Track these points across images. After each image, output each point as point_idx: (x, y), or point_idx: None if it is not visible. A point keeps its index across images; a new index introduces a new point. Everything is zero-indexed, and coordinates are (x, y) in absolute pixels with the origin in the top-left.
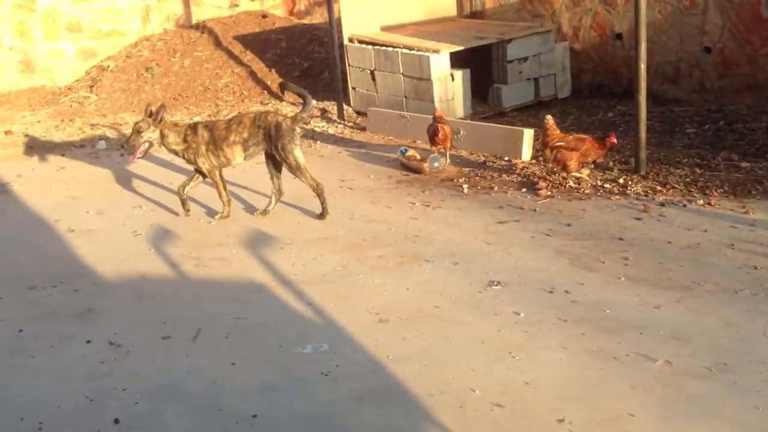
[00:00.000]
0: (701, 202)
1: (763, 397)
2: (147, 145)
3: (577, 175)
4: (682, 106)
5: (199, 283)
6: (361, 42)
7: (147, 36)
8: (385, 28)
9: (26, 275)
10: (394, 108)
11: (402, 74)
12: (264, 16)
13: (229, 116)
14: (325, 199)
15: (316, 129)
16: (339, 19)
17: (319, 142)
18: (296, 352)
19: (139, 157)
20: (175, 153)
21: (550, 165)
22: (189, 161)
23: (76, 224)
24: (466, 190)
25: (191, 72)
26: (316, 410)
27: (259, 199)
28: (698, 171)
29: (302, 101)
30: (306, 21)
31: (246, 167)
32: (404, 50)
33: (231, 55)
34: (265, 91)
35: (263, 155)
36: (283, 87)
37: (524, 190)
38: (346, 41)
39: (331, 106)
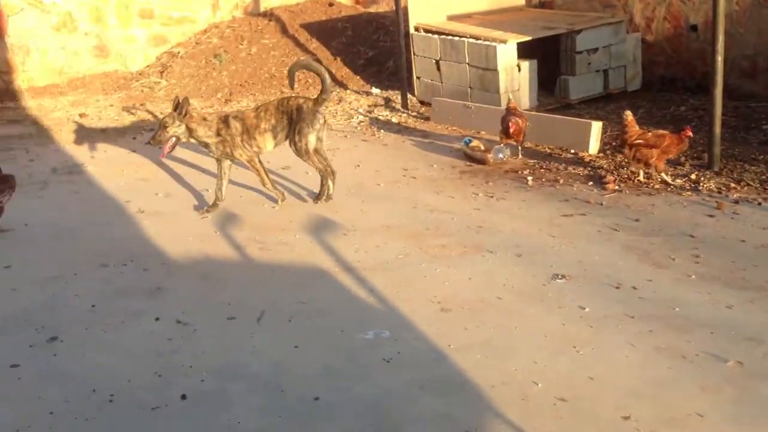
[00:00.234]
0: None
1: None
2: (174, 140)
3: (664, 176)
4: (759, 102)
5: (263, 267)
6: (427, 31)
7: (216, 23)
8: (452, 18)
9: (99, 253)
10: (459, 98)
11: (468, 64)
12: (331, 4)
13: (254, 106)
14: (328, 186)
15: (380, 118)
16: (406, 8)
17: (382, 131)
18: (358, 338)
19: (168, 152)
20: (206, 146)
21: (630, 163)
22: (224, 155)
23: (145, 205)
24: (530, 182)
25: (258, 59)
26: (376, 396)
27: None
28: None
29: (321, 82)
30: (372, 9)
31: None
32: (470, 40)
33: (297, 42)
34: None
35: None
36: (295, 67)
37: (591, 183)
38: (411, 30)
39: (395, 96)
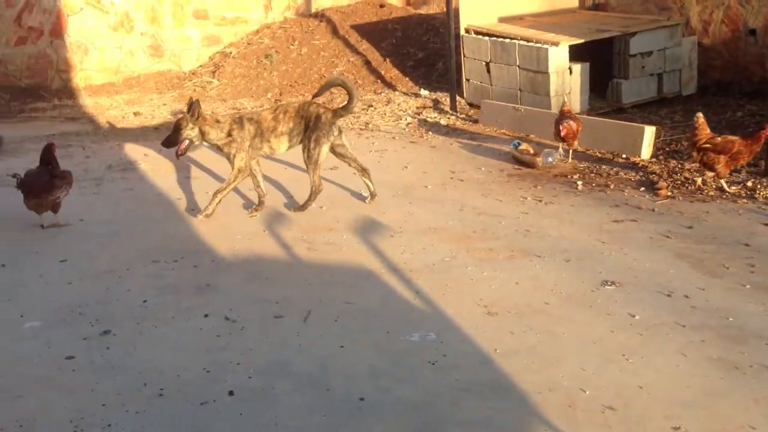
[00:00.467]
0: None
1: None
2: (187, 142)
3: (722, 183)
4: None
5: (311, 266)
6: (477, 33)
7: (268, 24)
8: (503, 19)
9: (150, 249)
10: (508, 101)
11: (518, 66)
12: (381, 6)
13: (271, 107)
14: (313, 201)
15: (428, 120)
16: (457, 10)
17: (430, 133)
18: (403, 339)
19: (180, 155)
20: (218, 148)
21: (696, 166)
22: (227, 154)
23: (196, 202)
24: (580, 187)
25: (308, 60)
26: (422, 398)
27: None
28: None
29: (348, 99)
30: (423, 11)
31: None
32: (521, 42)
33: (347, 43)
34: (379, 80)
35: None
36: (330, 84)
37: (642, 189)
38: (462, 32)
39: (444, 98)
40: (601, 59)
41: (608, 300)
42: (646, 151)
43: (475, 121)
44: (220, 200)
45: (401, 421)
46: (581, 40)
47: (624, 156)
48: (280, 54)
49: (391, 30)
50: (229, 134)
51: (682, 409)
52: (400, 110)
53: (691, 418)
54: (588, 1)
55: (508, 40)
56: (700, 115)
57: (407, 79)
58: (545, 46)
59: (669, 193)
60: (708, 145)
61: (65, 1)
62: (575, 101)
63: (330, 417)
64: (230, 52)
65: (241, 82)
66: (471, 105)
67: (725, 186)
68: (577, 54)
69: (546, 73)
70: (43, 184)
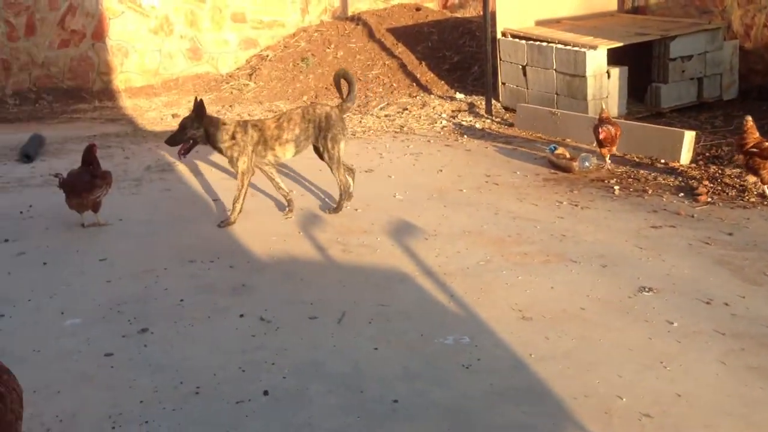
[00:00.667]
0: None
1: None
2: (191, 142)
3: (766, 191)
4: None
5: (345, 268)
6: (514, 36)
7: (304, 27)
8: (540, 23)
9: (187, 249)
10: (544, 105)
11: (555, 70)
12: (418, 9)
13: (274, 116)
14: (344, 198)
15: (463, 123)
16: (494, 13)
17: (465, 136)
18: (437, 342)
19: (183, 154)
20: (220, 151)
21: (737, 171)
22: (229, 159)
23: (231, 204)
24: (617, 192)
25: (344, 63)
26: (455, 401)
27: (394, 189)
28: None
29: (348, 90)
30: (459, 14)
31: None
32: (559, 45)
33: (383, 46)
34: (414, 84)
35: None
36: (340, 75)
37: (681, 194)
38: (499, 35)
39: (480, 101)
40: (639, 63)
41: (646, 306)
42: (686, 156)
43: (511, 125)
44: (240, 208)
45: (435, 424)
46: (620, 44)
47: (663, 161)
48: (316, 57)
49: (427, 33)
50: (233, 137)
51: (721, 418)
52: (435, 113)
53: (729, 428)
54: (627, 4)
55: (545, 44)
56: (749, 118)
57: (442, 82)
58: (583, 49)
59: (709, 199)
60: (755, 150)
61: (107, 5)
62: (613, 105)
63: (363, 419)
64: (267, 55)
65: (277, 84)
66: (506, 109)
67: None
68: (615, 58)
69: (583, 76)
70: (85, 184)
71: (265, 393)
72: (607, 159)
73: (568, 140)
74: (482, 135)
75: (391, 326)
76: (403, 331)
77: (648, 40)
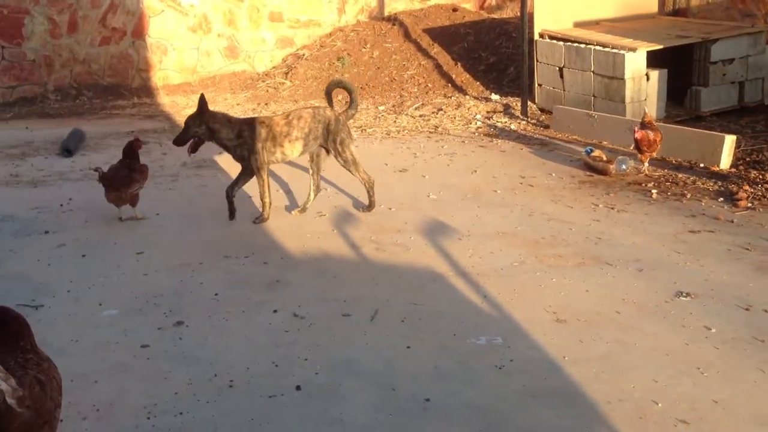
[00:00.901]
0: None
1: None
2: (196, 139)
3: None
4: None
5: (378, 266)
6: (552, 38)
7: (341, 27)
8: (579, 24)
9: (222, 245)
10: (581, 107)
11: (593, 72)
12: (455, 10)
13: (283, 113)
14: (373, 194)
15: (498, 124)
16: (531, 14)
17: (500, 137)
18: (470, 343)
19: (190, 152)
20: (226, 148)
21: None
22: (239, 157)
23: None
24: (654, 196)
25: (379, 63)
26: (487, 402)
27: (428, 189)
28: None
29: (350, 99)
30: (496, 15)
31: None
32: (597, 47)
33: (419, 47)
34: (449, 84)
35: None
36: (334, 84)
37: (721, 199)
38: (536, 36)
39: (515, 102)
40: (679, 66)
41: (683, 312)
42: (726, 161)
43: (546, 127)
44: (269, 202)
45: (466, 424)
46: (660, 46)
47: (702, 165)
48: (352, 57)
49: (464, 34)
50: (240, 135)
51: (759, 426)
52: (470, 114)
53: None
54: (668, 6)
55: (583, 45)
56: None
57: (478, 83)
58: (622, 51)
59: (749, 204)
60: None
61: (148, 3)
62: (651, 108)
63: (395, 417)
64: (303, 54)
65: (312, 83)
66: (542, 110)
67: None
68: (654, 60)
69: (622, 79)
70: (123, 179)
71: (298, 388)
72: (646, 163)
73: (605, 143)
74: (517, 136)
75: (423, 325)
76: (436, 330)
77: (689, 43)
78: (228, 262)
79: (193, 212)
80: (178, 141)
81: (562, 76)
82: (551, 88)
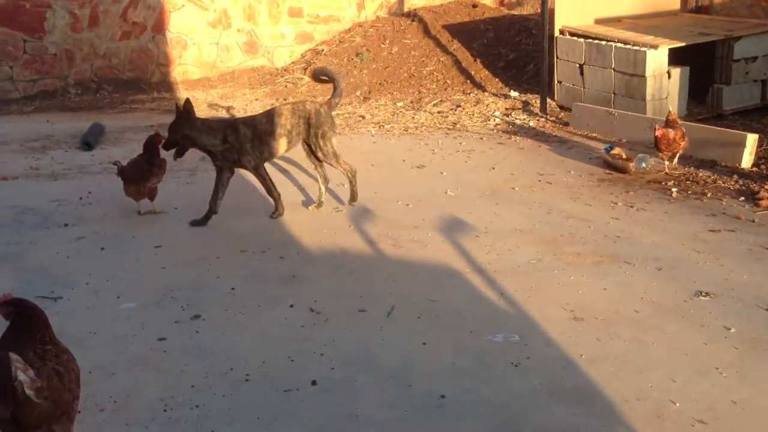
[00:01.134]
0: None
1: None
2: (180, 145)
3: None
4: None
5: (395, 262)
6: (572, 34)
7: (360, 22)
8: (600, 21)
9: (239, 239)
10: (601, 104)
11: (613, 69)
12: (474, 6)
13: (263, 112)
14: (356, 183)
15: (517, 121)
16: (552, 11)
17: (519, 134)
18: (486, 340)
19: (175, 158)
20: (211, 154)
21: None
22: (231, 162)
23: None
24: (674, 194)
25: (398, 58)
26: (504, 399)
27: (446, 185)
28: None
29: (333, 87)
30: (516, 12)
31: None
32: (618, 44)
33: (438, 43)
34: (468, 81)
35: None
36: (317, 74)
37: (742, 198)
38: (556, 33)
39: (534, 99)
40: (701, 64)
41: (702, 311)
42: (747, 160)
43: (566, 124)
44: (277, 196)
45: (482, 422)
46: (682, 44)
47: (723, 164)
48: (371, 52)
49: (483, 30)
50: (225, 140)
51: None
52: (489, 111)
53: None
54: (690, 3)
55: (604, 42)
56: None
57: (497, 79)
58: (643, 48)
59: None
60: None
61: None
62: (672, 106)
63: (411, 413)
64: (322, 50)
65: None
66: (562, 108)
67: None
68: (675, 58)
69: (642, 76)
70: (142, 172)
71: (314, 383)
72: (667, 162)
73: (625, 140)
74: (536, 133)
75: (440, 322)
76: (452, 327)
77: (711, 41)
78: (245, 257)
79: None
80: (165, 146)
81: (582, 73)
82: (571, 85)
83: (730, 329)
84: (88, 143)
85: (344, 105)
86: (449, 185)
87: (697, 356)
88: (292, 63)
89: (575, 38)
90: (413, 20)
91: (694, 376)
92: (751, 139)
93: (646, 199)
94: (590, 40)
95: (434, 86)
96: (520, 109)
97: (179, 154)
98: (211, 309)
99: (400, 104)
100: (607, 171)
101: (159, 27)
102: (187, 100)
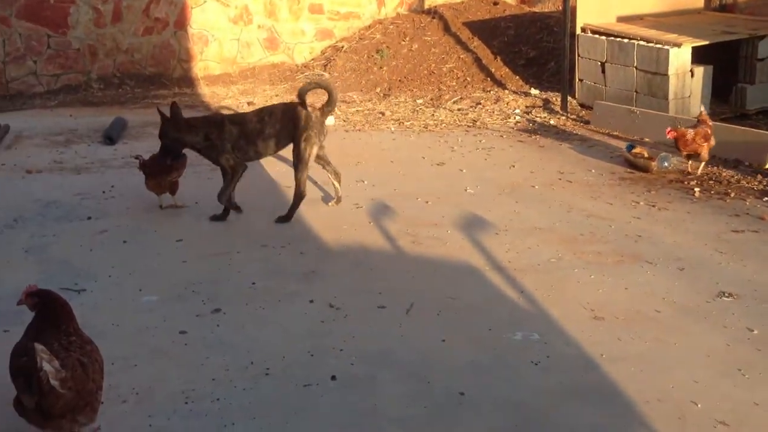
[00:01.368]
0: None
1: None
2: (170, 148)
3: None
4: None
5: (414, 259)
6: (594, 32)
7: (380, 19)
8: (622, 19)
9: (260, 234)
10: (623, 103)
11: (635, 67)
12: (495, 3)
13: (255, 110)
14: (297, 208)
15: (537, 119)
16: (574, 8)
17: (539, 132)
18: (506, 338)
19: (169, 162)
20: (199, 152)
21: None
22: (211, 160)
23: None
24: (697, 194)
25: (418, 56)
26: (523, 398)
27: (466, 182)
28: None
29: (328, 96)
30: (537, 9)
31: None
32: (641, 42)
33: (458, 40)
34: (488, 78)
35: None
36: (303, 91)
37: (766, 199)
38: (578, 31)
39: (555, 97)
40: (723, 62)
41: (724, 312)
42: None
43: (587, 123)
44: (228, 205)
45: (501, 419)
46: (705, 42)
47: (747, 163)
48: (391, 49)
49: (504, 28)
50: (207, 138)
51: None
52: (509, 109)
53: None
54: (714, 1)
55: (626, 40)
56: None
57: (517, 77)
58: (666, 46)
59: None
60: None
61: None
62: (695, 105)
63: (430, 409)
64: (342, 47)
65: (351, 76)
66: (582, 106)
67: None
68: (699, 56)
69: (665, 75)
70: (163, 166)
71: (333, 378)
72: (690, 162)
73: (647, 139)
74: (556, 131)
75: (459, 319)
76: (471, 324)
77: (735, 39)
78: (265, 252)
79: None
80: (161, 154)
81: (603, 71)
82: (592, 84)
83: (753, 330)
84: (110, 137)
85: (364, 102)
86: (469, 183)
87: (720, 357)
88: (312, 59)
89: (597, 36)
90: (433, 17)
91: (716, 377)
92: None
93: (668, 198)
94: (612, 38)
95: (454, 83)
96: (540, 107)
97: (174, 158)
98: (232, 303)
99: (419, 101)
100: (629, 170)
101: (181, 23)
102: (174, 104)
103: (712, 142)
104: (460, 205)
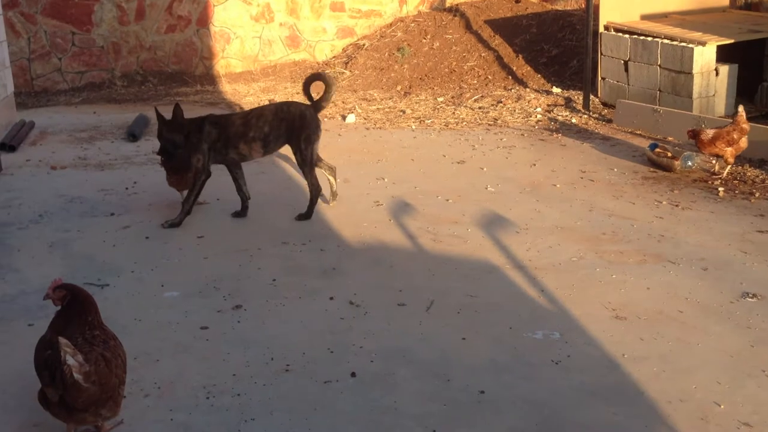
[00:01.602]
0: None
1: None
2: (167, 149)
3: None
4: None
5: (434, 257)
6: (617, 30)
7: (401, 17)
8: (646, 17)
9: (280, 231)
10: (646, 102)
11: (659, 66)
12: (517, 1)
13: (244, 112)
14: (315, 203)
15: (559, 118)
16: (597, 6)
17: (561, 131)
18: (526, 336)
19: (163, 163)
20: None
21: None
22: (185, 158)
23: (323, 190)
24: (721, 194)
25: (439, 54)
26: (543, 397)
27: (486, 181)
28: None
29: (325, 90)
30: (559, 7)
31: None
32: (665, 40)
33: (479, 38)
34: (510, 77)
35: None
36: (306, 83)
37: None
38: (601, 29)
39: (577, 96)
40: (748, 61)
41: (748, 313)
42: None
43: (609, 121)
44: (188, 210)
45: (522, 418)
46: (730, 40)
47: None
48: (412, 47)
49: (526, 26)
50: (187, 136)
51: None
52: (531, 107)
53: None
54: (739, 0)
55: (650, 38)
56: None
57: (539, 76)
58: (690, 45)
59: None
60: None
61: None
62: (720, 104)
63: (449, 407)
64: (363, 44)
65: (372, 73)
66: (605, 104)
67: None
68: (723, 55)
69: (689, 73)
70: (185, 163)
71: (353, 375)
72: (718, 162)
73: (670, 138)
74: (578, 130)
75: (479, 317)
76: (492, 322)
77: (761, 38)
78: (286, 249)
79: (252, 198)
80: (160, 155)
81: (626, 70)
82: (615, 82)
83: None
84: (133, 134)
85: (385, 100)
86: (489, 181)
87: (743, 358)
88: (333, 57)
89: (620, 34)
90: (455, 15)
91: (740, 379)
92: None
93: (692, 198)
94: (636, 36)
95: (475, 82)
96: (562, 105)
97: (168, 159)
98: (253, 299)
99: (440, 99)
100: (652, 169)
101: (203, 21)
102: (176, 105)
103: (742, 144)
104: (481, 204)
